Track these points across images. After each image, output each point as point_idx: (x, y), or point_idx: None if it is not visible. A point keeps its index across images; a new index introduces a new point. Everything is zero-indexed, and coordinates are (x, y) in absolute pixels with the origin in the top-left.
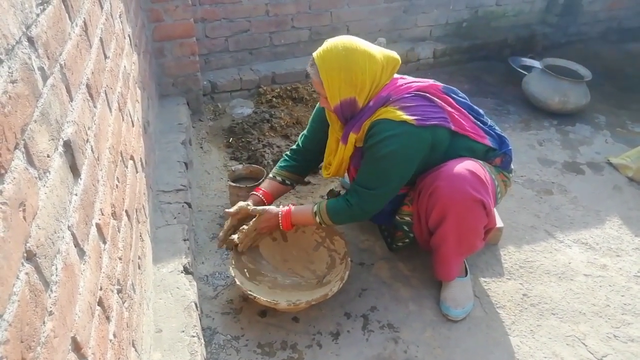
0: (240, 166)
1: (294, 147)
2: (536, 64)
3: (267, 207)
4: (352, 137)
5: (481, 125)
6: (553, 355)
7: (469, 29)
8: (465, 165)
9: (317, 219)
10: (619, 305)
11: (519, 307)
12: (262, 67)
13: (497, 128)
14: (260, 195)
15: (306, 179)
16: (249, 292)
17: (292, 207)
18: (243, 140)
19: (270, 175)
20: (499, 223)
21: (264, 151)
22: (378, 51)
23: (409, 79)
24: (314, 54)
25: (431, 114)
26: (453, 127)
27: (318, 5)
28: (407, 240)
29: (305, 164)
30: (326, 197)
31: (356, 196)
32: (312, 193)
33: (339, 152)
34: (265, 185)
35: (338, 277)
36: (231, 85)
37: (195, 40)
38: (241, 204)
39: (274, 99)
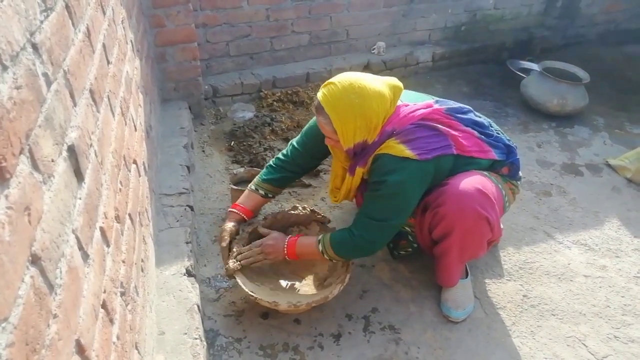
0: (241, 169)
1: (281, 156)
2: (534, 66)
3: (274, 233)
4: (360, 170)
5: (486, 138)
6: (554, 356)
7: (467, 32)
8: (472, 182)
9: (320, 248)
10: (619, 306)
11: (519, 308)
12: (262, 71)
13: (504, 137)
14: (240, 213)
15: (307, 182)
16: (251, 293)
17: (299, 238)
18: (244, 143)
19: (252, 187)
20: None
21: (265, 154)
22: (384, 86)
23: (412, 105)
24: (322, 101)
25: (434, 144)
26: (455, 152)
27: (318, 10)
28: (410, 249)
29: (291, 176)
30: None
31: (361, 227)
32: (313, 196)
33: (346, 182)
34: (244, 199)
35: (339, 279)
36: (232, 90)
37: (197, 45)
38: (226, 226)
39: (275, 103)
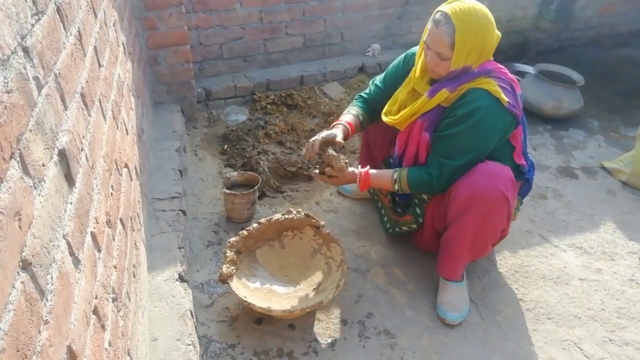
0: (235, 173)
1: (366, 93)
2: (529, 69)
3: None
4: (444, 93)
5: (524, 146)
6: (549, 359)
7: None
8: (502, 169)
9: (396, 187)
10: (614, 309)
11: (515, 312)
12: (256, 74)
13: (530, 156)
14: (346, 125)
15: (300, 185)
16: (244, 299)
17: (371, 171)
18: (238, 147)
19: (353, 112)
20: None
21: (259, 158)
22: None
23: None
24: (449, 12)
25: (517, 104)
26: (514, 131)
27: (312, 12)
28: (414, 225)
29: (376, 109)
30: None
31: (439, 168)
32: (307, 200)
33: (418, 103)
34: (349, 119)
35: (334, 284)
36: (225, 92)
37: (190, 48)
38: (330, 132)
39: (269, 106)
